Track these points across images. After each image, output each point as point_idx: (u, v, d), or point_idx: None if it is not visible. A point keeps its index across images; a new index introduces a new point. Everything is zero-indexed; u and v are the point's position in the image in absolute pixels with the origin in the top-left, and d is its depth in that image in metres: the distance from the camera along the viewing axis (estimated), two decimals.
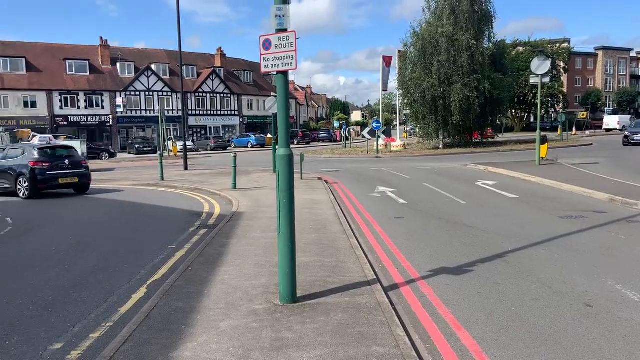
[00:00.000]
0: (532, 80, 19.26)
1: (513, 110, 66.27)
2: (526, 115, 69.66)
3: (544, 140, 19.53)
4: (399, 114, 45.72)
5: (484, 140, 37.93)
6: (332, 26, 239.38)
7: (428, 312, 4.95)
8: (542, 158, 19.26)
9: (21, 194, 14.85)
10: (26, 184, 14.75)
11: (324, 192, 13.62)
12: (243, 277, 5.94)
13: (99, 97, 48.22)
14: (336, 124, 61.58)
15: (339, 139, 56.04)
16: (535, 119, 22.18)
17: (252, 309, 4.85)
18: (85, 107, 47.47)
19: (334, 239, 7.83)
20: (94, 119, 48.05)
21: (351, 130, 51.44)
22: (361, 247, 7.44)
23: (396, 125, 46.66)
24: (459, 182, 15.70)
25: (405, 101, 36.11)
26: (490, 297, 5.31)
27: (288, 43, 4.84)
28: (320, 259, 6.68)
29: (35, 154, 14.98)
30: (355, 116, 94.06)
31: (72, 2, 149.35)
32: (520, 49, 60.45)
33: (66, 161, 15.33)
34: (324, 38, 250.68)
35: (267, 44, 4.97)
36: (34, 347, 4.32)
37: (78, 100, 47.18)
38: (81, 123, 47.42)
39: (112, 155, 37.88)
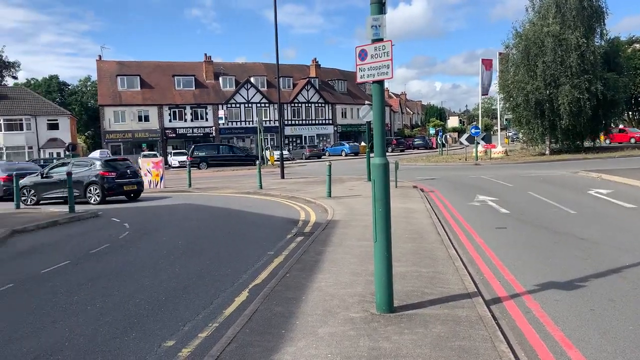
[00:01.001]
0: None
1: (630, 113, 60.51)
2: None
3: None
4: (500, 119, 43.68)
5: (597, 146, 35.05)
6: (427, 31, 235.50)
7: (535, 329, 4.67)
8: None
9: (92, 200, 16.68)
10: (97, 191, 16.69)
11: (419, 200, 13.38)
12: (339, 284, 5.99)
13: (203, 110, 51.46)
14: (432, 131, 60.36)
15: (434, 146, 54.85)
16: None
17: (349, 317, 4.88)
18: (191, 120, 50.90)
19: (431, 249, 7.66)
20: (199, 131, 51.32)
21: (448, 136, 50.02)
22: (460, 257, 7.20)
23: (497, 130, 44.62)
24: (569, 190, 14.64)
25: (507, 105, 34.45)
26: (605, 315, 4.88)
27: (384, 52, 4.85)
28: (417, 269, 6.56)
29: (104, 166, 16.98)
30: (452, 122, 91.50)
31: (179, 22, 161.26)
32: (638, 45, 55.15)
33: (127, 171, 17.40)
34: (419, 43, 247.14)
35: (362, 54, 5.02)
36: (150, 343, 4.68)
37: (185, 114, 50.72)
38: (187, 135, 50.90)
39: (210, 165, 39.57)
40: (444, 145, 43.51)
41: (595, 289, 5.67)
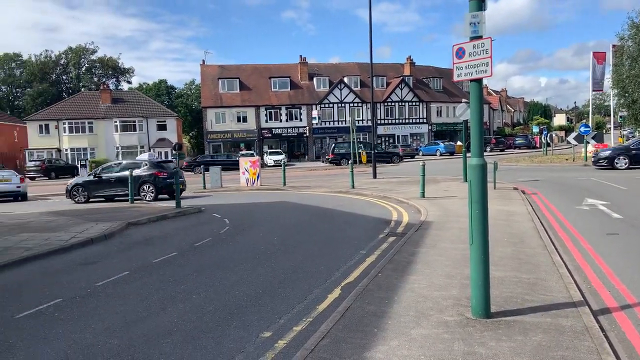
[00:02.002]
0: None
1: None
2: None
3: None
4: (614, 117, 40.16)
5: None
6: (532, 23, 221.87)
7: None
8: None
9: (147, 198, 18.40)
10: (151, 189, 18.30)
11: (520, 203, 12.73)
12: (433, 286, 5.90)
13: (298, 110, 52.78)
14: (535, 129, 56.99)
15: (538, 145, 51.77)
16: None
17: (442, 320, 4.80)
18: (286, 120, 52.43)
19: (533, 254, 7.27)
20: (293, 131, 52.74)
21: (553, 135, 46.85)
22: (565, 264, 6.77)
23: (609, 129, 41.08)
24: None
25: (622, 102, 31.58)
26: None
27: (483, 50, 4.70)
28: (517, 274, 6.27)
29: (156, 167, 18.95)
30: (558, 120, 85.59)
31: (276, 25, 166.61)
32: None
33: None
34: (522, 37, 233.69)
35: (460, 53, 4.90)
36: (249, 333, 4.94)
37: (280, 114, 52.37)
38: (282, 135, 52.53)
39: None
40: (548, 145, 40.85)
41: None
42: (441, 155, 47.32)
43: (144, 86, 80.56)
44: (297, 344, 4.54)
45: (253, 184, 23.17)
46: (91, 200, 19.12)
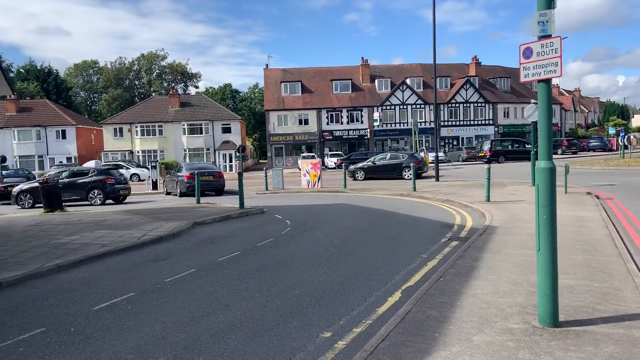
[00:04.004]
0: None
1: None
2: None
3: None
4: None
5: None
6: (608, 19, 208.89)
7: None
8: None
9: (95, 202, 20.22)
10: (99, 194, 20.38)
11: (593, 208, 12.08)
12: (497, 293, 5.74)
13: (359, 112, 52.71)
14: (611, 131, 53.73)
15: (615, 147, 48.80)
16: None
17: (507, 327, 4.67)
18: (347, 122, 52.50)
19: (606, 263, 6.89)
20: (354, 133, 52.73)
21: (631, 137, 43.98)
22: None
23: None
24: None
25: None
26: None
27: (552, 49, 4.54)
28: (588, 283, 5.97)
29: (103, 174, 21.07)
30: (637, 121, 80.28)
31: (338, 27, 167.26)
32: None
33: (122, 178, 21.71)
34: (598, 33, 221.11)
35: (527, 52, 4.75)
36: (309, 333, 5.02)
37: (341, 117, 52.51)
38: (343, 137, 52.65)
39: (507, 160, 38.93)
40: (626, 147, 38.42)
41: None
42: None
43: (210, 90, 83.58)
44: (356, 346, 4.57)
45: (314, 185, 23.41)
46: (36, 205, 19.49)
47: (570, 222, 10.17)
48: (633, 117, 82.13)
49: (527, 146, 42.07)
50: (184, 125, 52.92)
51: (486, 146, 41.36)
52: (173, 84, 79.36)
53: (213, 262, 8.47)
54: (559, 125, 63.05)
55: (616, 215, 11.50)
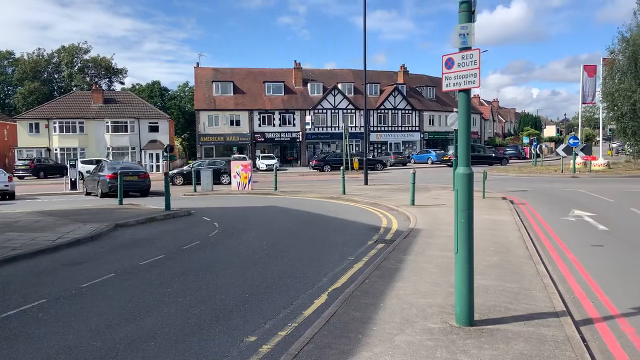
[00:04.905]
0: None
1: None
2: None
3: None
4: (603, 129, 40.60)
5: None
6: (526, 35, 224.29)
7: (628, 354, 4.35)
8: None
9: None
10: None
11: (508, 212, 12.83)
12: (418, 294, 5.94)
13: (291, 115, 52.81)
14: (525, 140, 57.38)
15: (528, 156, 52.17)
16: None
17: (426, 327, 4.84)
18: (279, 125, 52.43)
19: (518, 264, 7.34)
20: (286, 136, 52.76)
21: (543, 146, 47.28)
22: (549, 274, 6.84)
23: (599, 141, 41.52)
24: None
25: (611, 115, 31.92)
26: None
27: (472, 61, 4.77)
28: (502, 283, 6.33)
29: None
30: (549, 131, 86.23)
31: (271, 29, 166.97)
32: None
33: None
34: (516, 47, 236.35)
35: (449, 63, 4.97)
36: (233, 337, 4.94)
37: (273, 119, 52.37)
38: (275, 139, 52.52)
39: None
40: (538, 156, 41.23)
41: None
42: (433, 163, 47.51)
43: (137, 87, 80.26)
44: (281, 349, 4.55)
45: (244, 187, 23.14)
46: None
47: (487, 225, 10.74)
48: (545, 127, 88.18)
49: (486, 152, 44.67)
50: (107, 122, 50.41)
51: (451, 151, 43.26)
52: (96, 79, 75.45)
53: (134, 266, 8.13)
54: (479, 133, 66.57)
55: (528, 219, 12.28)
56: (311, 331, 4.75)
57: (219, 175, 27.69)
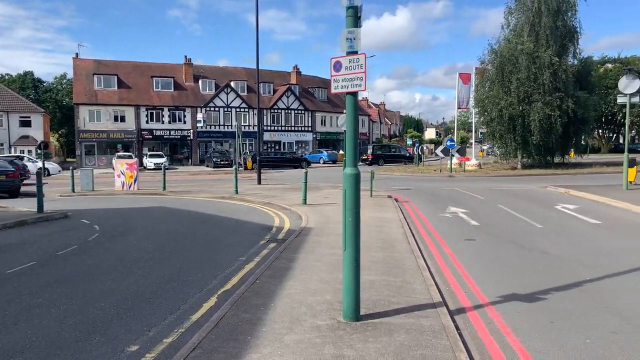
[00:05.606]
0: (620, 100, 18.08)
1: (600, 131, 62.44)
2: (614, 135, 65.33)
3: (632, 163, 18.24)
4: (475, 133, 44.48)
5: (567, 162, 35.98)
6: (411, 42, 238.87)
7: (495, 340, 4.79)
8: (631, 182, 17.96)
9: None
10: None
11: (393, 210, 13.53)
12: (308, 292, 6.04)
13: (182, 112, 50.97)
14: (409, 142, 60.99)
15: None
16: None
17: (315, 325, 4.93)
18: (169, 122, 50.33)
19: (401, 259, 7.77)
20: (176, 133, 50.80)
21: (424, 147, 50.61)
22: (428, 268, 7.32)
23: (472, 143, 45.36)
24: (537, 204, 15.00)
25: (482, 119, 35.12)
26: (564, 328, 5.04)
27: (358, 65, 4.95)
28: (386, 278, 6.65)
29: None
30: (429, 134, 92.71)
31: (160, 22, 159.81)
32: (609, 66, 56.95)
33: None
34: (401, 54, 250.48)
35: (337, 66, 5.11)
36: (113, 347, 4.64)
37: (162, 115, 50.14)
38: (164, 137, 50.31)
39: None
40: (420, 157, 44.03)
41: (555, 302, 5.84)
42: (324, 163, 48.66)
43: (7, 78, 72.40)
44: (166, 357, 4.37)
45: (129, 187, 21.87)
46: None
47: (374, 222, 11.24)
48: (426, 130, 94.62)
49: (402, 152, 46.40)
50: None
51: (369, 150, 44.92)
52: None
53: (0, 274, 7.31)
54: (368, 134, 69.48)
55: (410, 216, 13.06)
56: (199, 336, 4.62)
57: None
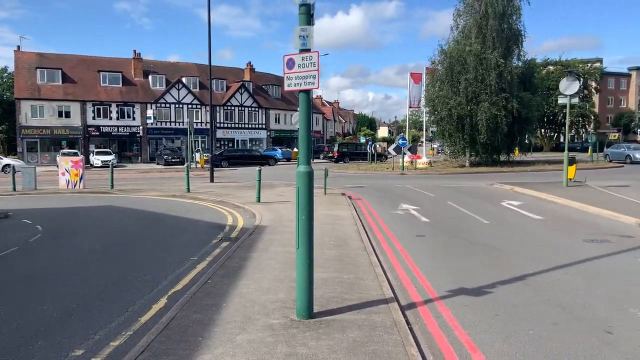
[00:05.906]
0: (561, 100, 18.95)
1: (542, 130, 65.25)
2: (556, 135, 68.44)
3: (572, 161, 19.17)
4: (426, 131, 45.52)
5: (512, 160, 37.42)
6: (364, 42, 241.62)
7: (444, 333, 4.92)
8: (570, 179, 18.88)
9: None
10: None
11: (346, 208, 13.64)
12: (261, 291, 6.00)
13: (131, 108, 49.41)
14: (362, 140, 61.65)
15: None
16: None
17: (268, 324, 4.90)
18: (117, 118, 48.67)
19: (354, 256, 7.84)
20: (125, 130, 49.19)
21: (377, 145, 51.34)
22: (381, 264, 7.43)
23: (423, 142, 46.39)
24: (484, 201, 15.51)
25: (432, 118, 35.98)
26: (509, 320, 5.24)
27: (311, 63, 4.95)
28: (339, 275, 6.70)
29: None
30: (382, 132, 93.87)
31: (107, 15, 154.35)
32: (551, 68, 59.66)
33: None
34: (355, 53, 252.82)
35: (290, 63, 5.09)
36: (57, 352, 4.45)
37: (110, 111, 48.44)
38: (112, 133, 48.61)
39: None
40: (374, 155, 44.64)
41: (501, 295, 6.07)
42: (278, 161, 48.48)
43: None
44: None
45: (75, 186, 21.01)
46: None
47: (327, 220, 11.30)
48: (379, 128, 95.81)
49: (365, 150, 47.33)
50: None
51: (335, 147, 46.32)
52: None
53: None
54: (322, 132, 69.76)
55: (364, 214, 13.21)
56: (147, 338, 4.50)
57: None
